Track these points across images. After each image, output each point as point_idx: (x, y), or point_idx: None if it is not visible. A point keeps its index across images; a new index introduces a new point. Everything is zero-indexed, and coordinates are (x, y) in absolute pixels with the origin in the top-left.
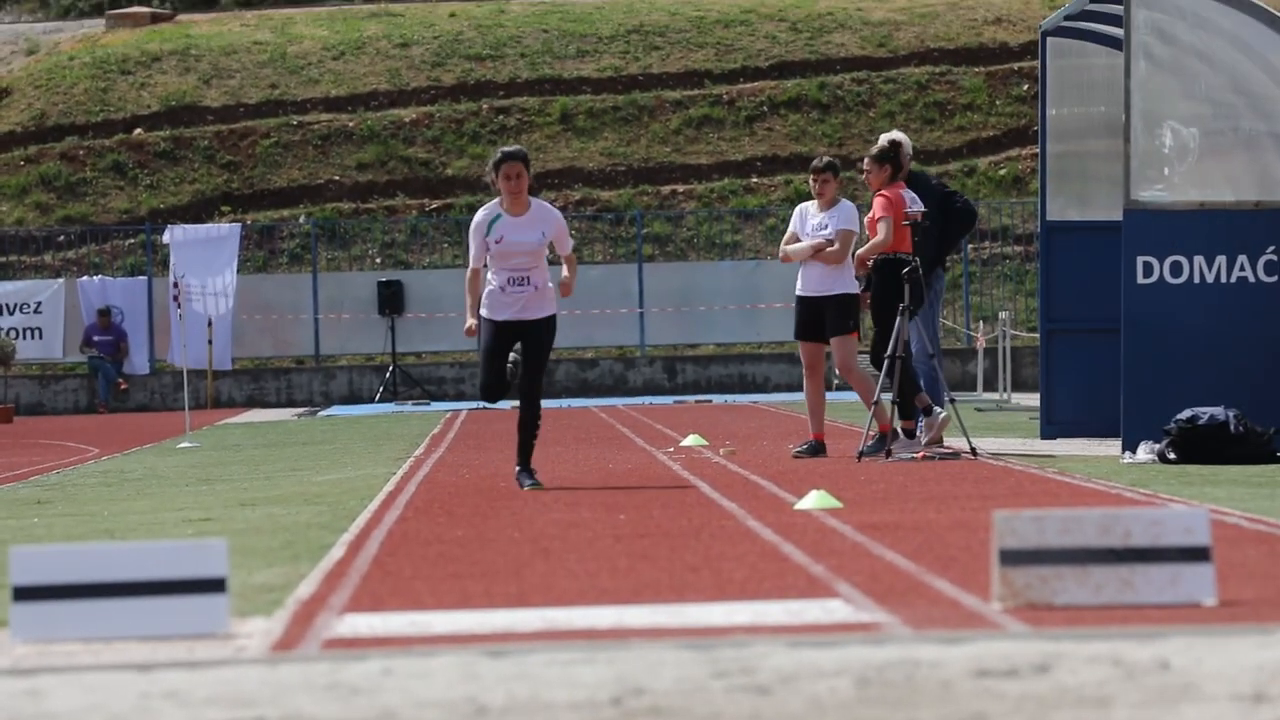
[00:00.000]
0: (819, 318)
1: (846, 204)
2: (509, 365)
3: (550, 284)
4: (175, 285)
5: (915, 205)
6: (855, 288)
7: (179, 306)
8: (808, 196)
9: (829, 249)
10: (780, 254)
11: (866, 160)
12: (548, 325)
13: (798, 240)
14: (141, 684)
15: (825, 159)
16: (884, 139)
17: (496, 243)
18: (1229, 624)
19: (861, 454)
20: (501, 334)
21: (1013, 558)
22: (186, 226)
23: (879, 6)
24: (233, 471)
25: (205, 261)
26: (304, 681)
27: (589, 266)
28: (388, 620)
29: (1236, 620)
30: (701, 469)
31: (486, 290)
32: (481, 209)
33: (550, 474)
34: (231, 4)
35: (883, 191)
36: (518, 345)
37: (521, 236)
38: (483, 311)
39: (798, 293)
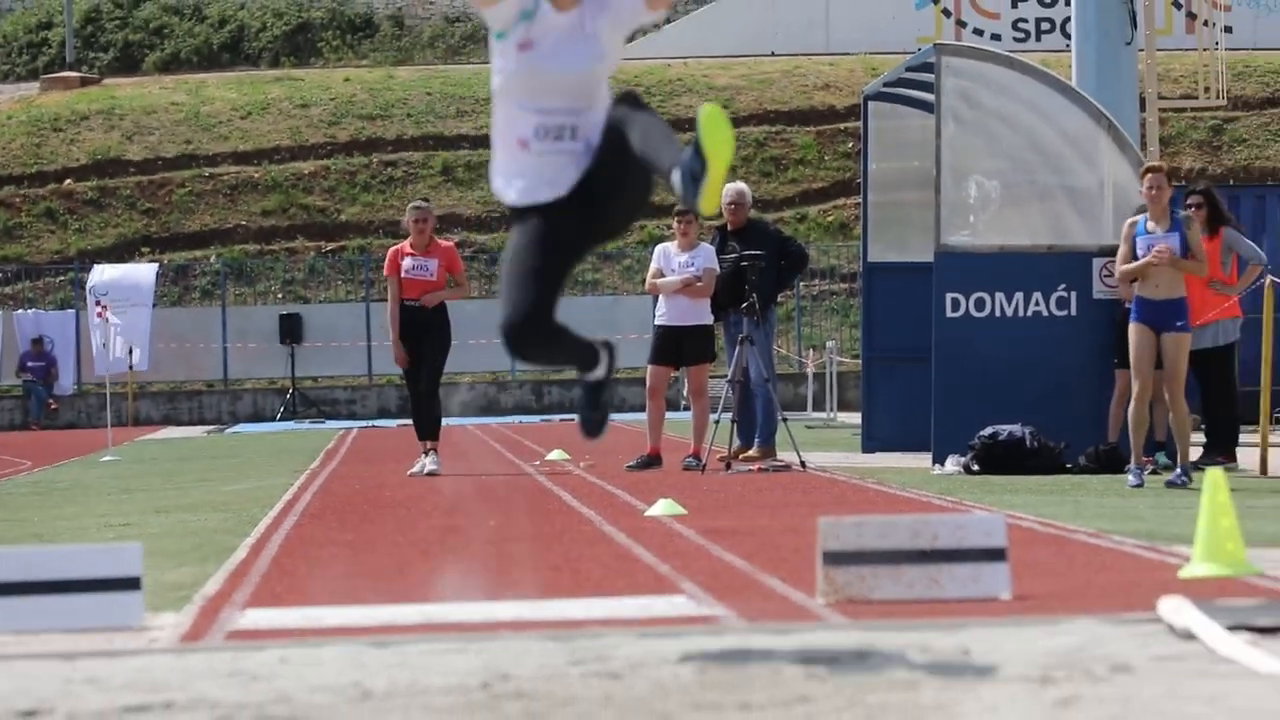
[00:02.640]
0: (678, 346)
1: (706, 245)
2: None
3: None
4: (99, 303)
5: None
6: (711, 320)
7: (104, 321)
8: (660, 239)
9: (697, 284)
10: (648, 285)
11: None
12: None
13: (663, 275)
14: (65, 671)
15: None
16: (729, 189)
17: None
18: (1022, 616)
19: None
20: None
21: (835, 558)
22: (110, 265)
23: (723, 73)
24: (149, 482)
25: (126, 294)
26: (209, 669)
27: (467, 301)
28: (284, 614)
29: (1029, 612)
30: (564, 480)
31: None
32: None
33: (428, 484)
34: (152, 69)
35: None
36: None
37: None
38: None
39: (660, 322)
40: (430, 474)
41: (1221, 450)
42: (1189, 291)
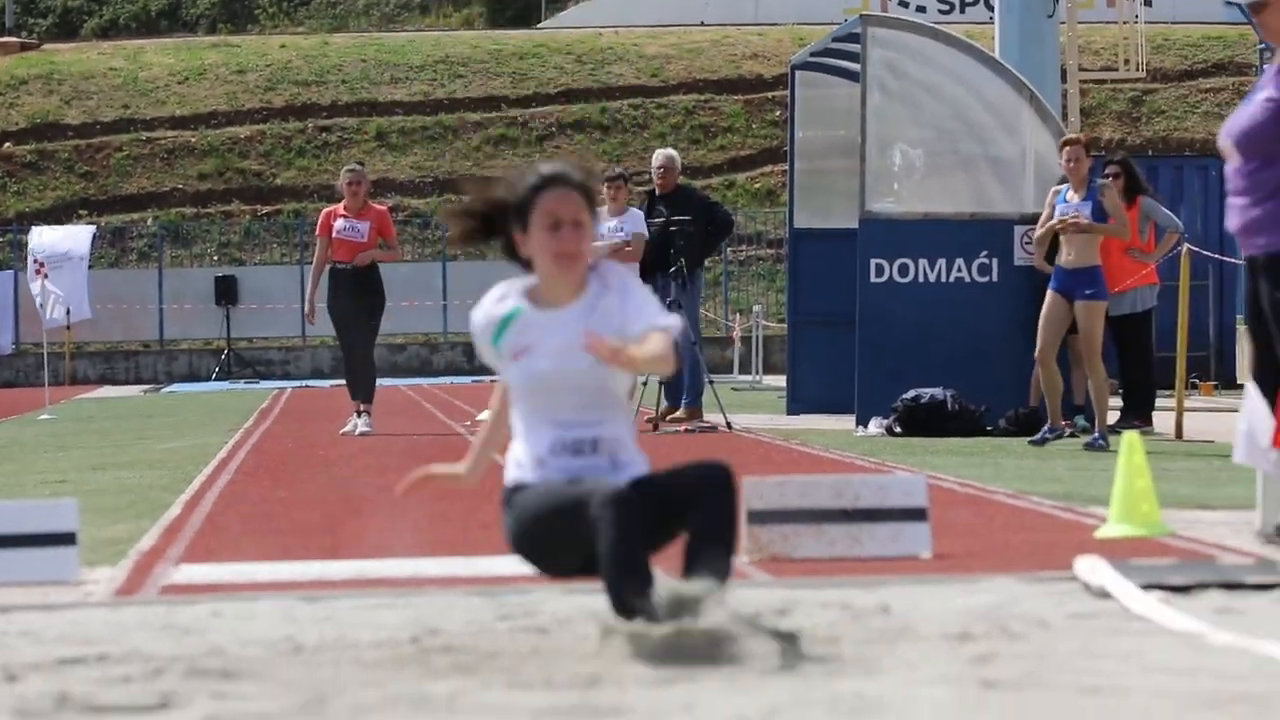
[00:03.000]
0: None
1: (635, 210)
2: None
3: None
4: (37, 261)
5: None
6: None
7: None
8: None
9: (626, 249)
10: None
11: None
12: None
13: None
14: (0, 623)
15: (617, 169)
16: (659, 154)
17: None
18: (941, 574)
19: None
20: None
21: (759, 517)
22: (49, 228)
23: (653, 42)
24: (86, 440)
25: (63, 256)
26: (143, 622)
27: (400, 264)
28: (218, 570)
29: (948, 571)
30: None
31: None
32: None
33: (360, 444)
34: (90, 35)
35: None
36: None
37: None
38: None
39: None
40: (363, 434)
41: (1139, 414)
42: (1108, 259)
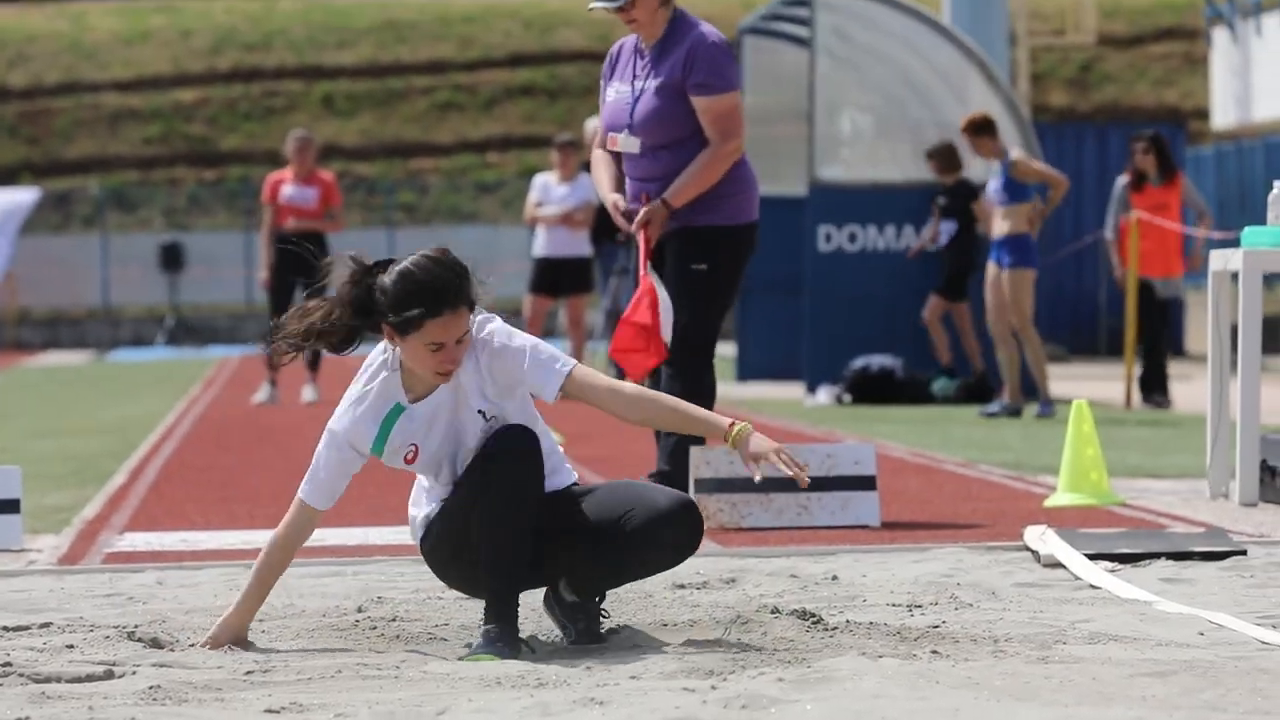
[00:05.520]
0: (556, 276)
1: (585, 177)
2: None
3: None
4: None
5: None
6: (590, 251)
7: None
8: (536, 170)
9: (576, 216)
10: (527, 216)
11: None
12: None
13: (542, 206)
14: None
15: (568, 135)
16: (589, 124)
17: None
18: (890, 544)
19: None
20: None
21: (707, 486)
22: None
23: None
24: (29, 407)
25: (6, 216)
26: (86, 590)
27: (346, 232)
28: (162, 538)
29: (897, 541)
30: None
31: None
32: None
33: (308, 413)
34: None
35: None
36: None
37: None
38: None
39: (539, 254)
40: (309, 403)
41: (1160, 391)
42: (1164, 243)
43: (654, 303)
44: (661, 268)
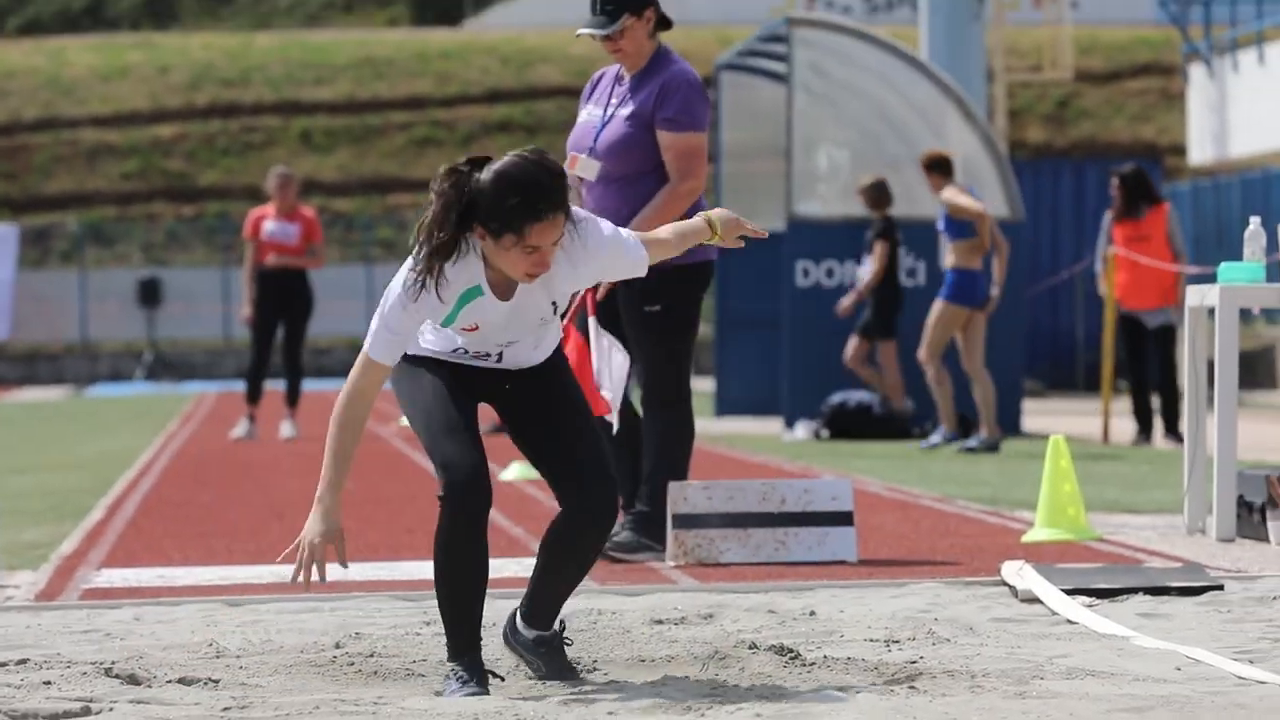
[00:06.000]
0: None
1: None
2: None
3: None
4: None
5: None
6: None
7: None
8: None
9: None
10: None
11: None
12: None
13: None
14: None
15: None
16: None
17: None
18: (867, 579)
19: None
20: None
21: (684, 521)
22: None
23: (578, 43)
24: (7, 443)
25: None
26: (64, 627)
27: (327, 268)
28: (140, 574)
29: (874, 576)
30: (418, 444)
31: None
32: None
33: (286, 448)
34: (12, 32)
35: None
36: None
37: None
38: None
39: None
40: (287, 439)
41: (1171, 428)
42: (1160, 273)
43: (581, 358)
44: (616, 313)
